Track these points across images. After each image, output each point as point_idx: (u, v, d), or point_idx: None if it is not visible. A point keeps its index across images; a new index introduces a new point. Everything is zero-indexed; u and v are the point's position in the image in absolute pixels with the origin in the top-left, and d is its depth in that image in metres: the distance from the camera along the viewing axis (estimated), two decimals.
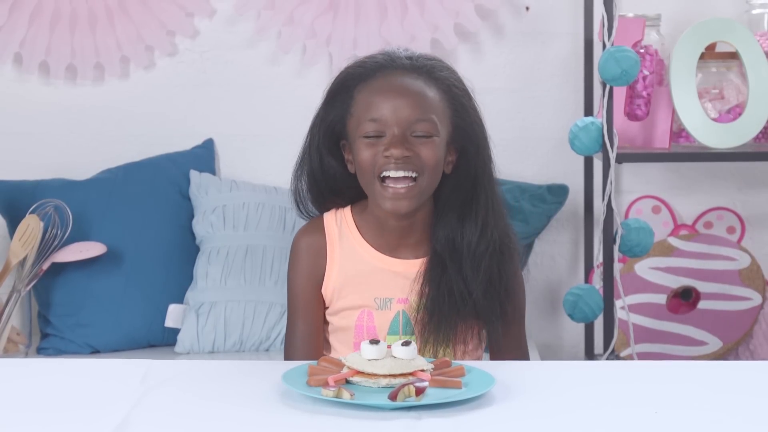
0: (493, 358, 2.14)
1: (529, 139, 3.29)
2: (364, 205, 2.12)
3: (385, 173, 2.02)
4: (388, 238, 2.10)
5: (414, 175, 2.02)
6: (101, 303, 3.06)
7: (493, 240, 2.07)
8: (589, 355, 3.25)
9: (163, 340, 3.09)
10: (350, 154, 2.09)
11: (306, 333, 2.11)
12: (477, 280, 2.05)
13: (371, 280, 2.08)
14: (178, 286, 3.11)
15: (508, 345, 2.12)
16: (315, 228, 2.13)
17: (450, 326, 2.06)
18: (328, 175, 2.12)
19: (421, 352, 2.05)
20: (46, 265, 3.00)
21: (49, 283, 3.07)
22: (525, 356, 2.17)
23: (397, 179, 2.01)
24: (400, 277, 2.08)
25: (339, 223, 2.12)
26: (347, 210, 2.13)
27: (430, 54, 2.13)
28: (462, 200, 2.08)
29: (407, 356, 1.80)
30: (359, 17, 3.24)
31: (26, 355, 3.03)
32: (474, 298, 2.05)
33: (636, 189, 3.31)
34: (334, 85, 2.10)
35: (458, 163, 2.09)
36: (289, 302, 2.14)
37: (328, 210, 2.15)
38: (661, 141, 3.02)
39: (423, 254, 2.09)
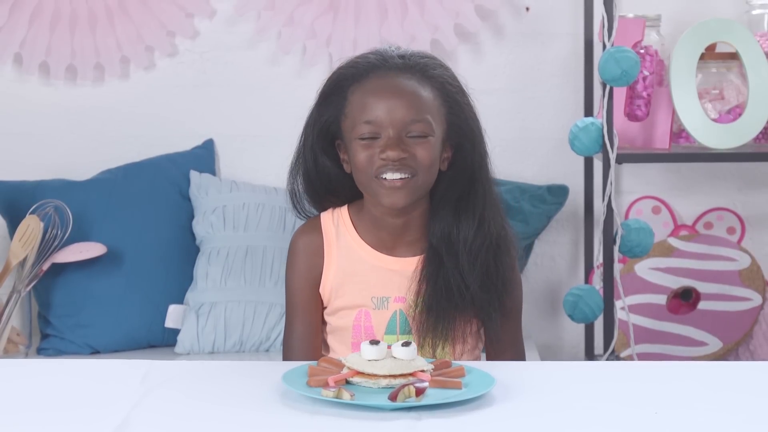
0: (489, 354, 2.14)
1: (529, 140, 3.29)
2: (360, 204, 2.12)
3: (381, 175, 2.02)
4: (384, 237, 2.10)
5: (410, 176, 2.02)
6: (101, 303, 3.06)
7: (490, 234, 2.07)
8: (590, 355, 3.25)
9: (163, 341, 3.09)
10: (346, 154, 2.09)
11: (304, 333, 2.11)
12: (474, 274, 2.05)
13: (368, 278, 2.09)
14: (178, 286, 3.11)
15: (505, 341, 2.12)
16: (312, 227, 2.13)
17: (448, 322, 2.06)
18: (324, 175, 2.12)
19: (420, 350, 2.05)
20: (46, 266, 3.00)
21: (49, 283, 3.07)
22: (521, 354, 2.17)
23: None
24: (397, 276, 2.08)
25: (336, 222, 2.12)
26: (344, 209, 2.14)
27: (422, 52, 2.12)
28: (458, 195, 2.08)
29: (407, 357, 1.80)
30: (359, 18, 3.24)
31: (26, 355, 3.03)
32: (471, 292, 2.05)
33: (636, 189, 3.31)
34: (327, 85, 2.10)
35: (454, 160, 2.09)
36: (287, 302, 2.14)
37: (325, 209, 2.15)
38: (661, 141, 3.02)
39: (420, 252, 2.09)
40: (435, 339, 2.05)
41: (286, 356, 2.12)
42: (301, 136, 2.13)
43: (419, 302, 2.06)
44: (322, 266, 2.11)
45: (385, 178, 2.02)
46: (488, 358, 2.15)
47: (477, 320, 2.10)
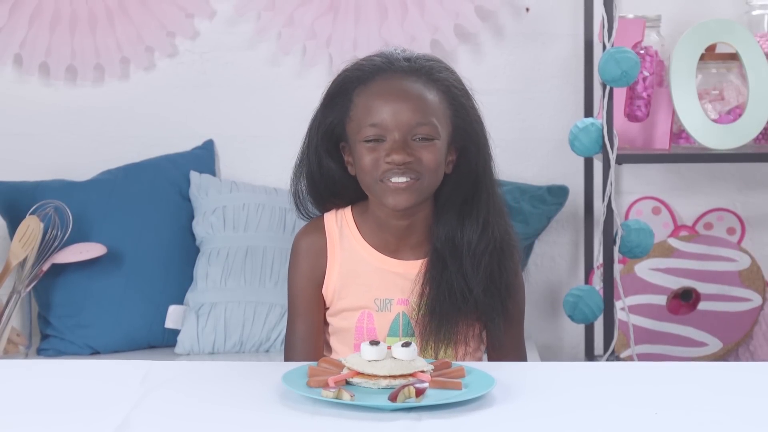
0: (491, 359, 2.14)
1: (529, 140, 3.29)
2: (364, 205, 2.12)
3: (386, 179, 2.02)
4: (388, 239, 2.10)
5: (414, 179, 2.02)
6: (101, 304, 3.06)
7: (494, 238, 2.07)
8: (590, 356, 3.25)
9: (163, 341, 3.09)
10: (350, 157, 2.08)
11: (306, 333, 2.11)
12: (477, 278, 2.05)
13: (371, 280, 2.08)
14: (178, 287, 3.11)
15: (507, 346, 2.12)
16: (315, 228, 2.13)
17: (451, 326, 2.06)
18: (328, 177, 2.11)
19: (422, 353, 2.05)
20: (46, 266, 3.00)
21: (49, 284, 3.07)
22: (523, 359, 2.17)
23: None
24: (400, 278, 2.08)
25: (339, 223, 2.12)
26: (348, 210, 2.13)
27: (428, 54, 2.12)
28: (463, 199, 2.08)
29: (407, 357, 1.80)
30: (359, 18, 3.24)
31: (26, 356, 3.03)
32: (475, 296, 2.05)
33: (636, 190, 3.31)
34: (332, 87, 2.10)
35: (459, 163, 2.09)
36: (289, 302, 2.14)
37: (328, 210, 2.15)
38: (661, 142, 3.02)
39: (423, 255, 2.09)
40: (438, 342, 2.05)
41: (288, 356, 2.12)
42: (306, 138, 2.13)
43: (422, 305, 2.06)
44: (325, 267, 2.11)
45: (390, 181, 2.02)
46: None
47: (479, 323, 2.10)
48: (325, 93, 2.10)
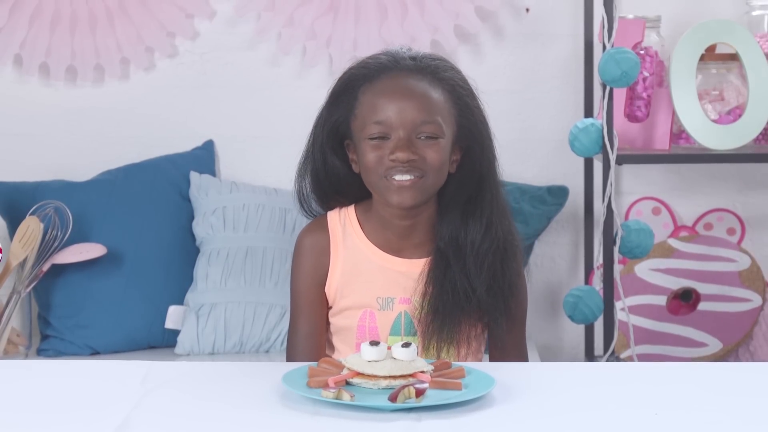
0: (493, 359, 2.14)
1: (529, 141, 3.29)
2: (368, 204, 2.12)
3: (390, 176, 2.02)
4: (391, 238, 2.10)
5: (418, 177, 2.02)
6: (101, 304, 3.06)
7: (497, 238, 2.07)
8: (589, 356, 3.25)
9: (163, 342, 3.09)
10: (355, 154, 2.09)
11: (308, 332, 2.11)
12: (480, 278, 2.06)
13: (374, 279, 2.09)
14: (178, 287, 3.11)
15: (509, 346, 2.13)
16: (319, 226, 2.13)
17: (453, 325, 2.06)
18: (332, 174, 2.12)
19: (424, 352, 2.05)
20: (46, 267, 3.00)
21: (49, 284, 3.07)
22: (524, 359, 2.17)
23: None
24: (403, 277, 2.08)
25: (343, 221, 2.12)
26: (351, 209, 2.14)
27: (434, 53, 2.12)
28: (466, 199, 2.08)
29: (407, 357, 1.80)
30: (359, 18, 3.24)
31: (26, 356, 3.03)
32: (477, 296, 2.05)
33: (636, 190, 3.31)
34: (337, 85, 2.10)
35: (463, 162, 2.09)
36: (292, 301, 2.14)
37: (331, 209, 2.15)
38: (661, 142, 3.02)
39: (426, 254, 2.09)
40: (440, 342, 2.05)
41: (290, 355, 2.12)
42: (310, 136, 2.13)
43: (425, 304, 2.06)
44: (328, 265, 2.11)
45: (395, 179, 2.02)
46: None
47: (481, 323, 2.10)
48: (330, 91, 2.11)
